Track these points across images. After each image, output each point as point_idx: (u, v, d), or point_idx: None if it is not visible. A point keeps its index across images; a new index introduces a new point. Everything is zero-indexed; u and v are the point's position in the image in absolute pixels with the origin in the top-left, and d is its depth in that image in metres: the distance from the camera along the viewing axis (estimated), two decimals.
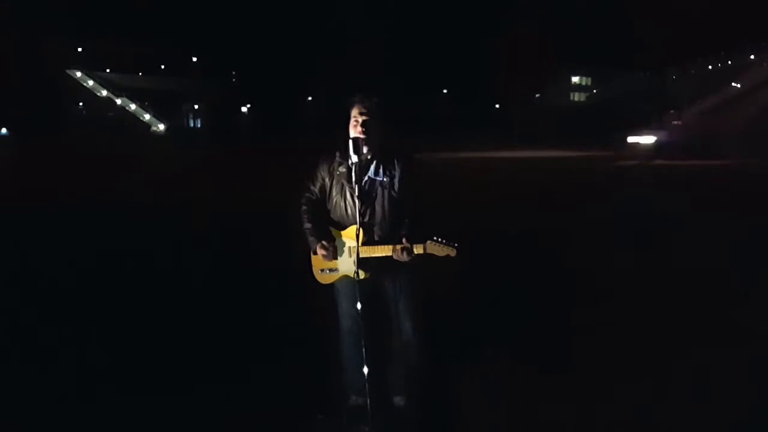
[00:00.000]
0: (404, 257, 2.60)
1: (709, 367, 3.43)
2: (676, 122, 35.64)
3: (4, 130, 41.38)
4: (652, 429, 2.90)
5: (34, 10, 44.82)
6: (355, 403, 2.83)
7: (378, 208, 2.69)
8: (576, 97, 68.10)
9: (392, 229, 2.68)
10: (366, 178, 2.69)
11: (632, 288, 5.11)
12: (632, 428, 2.89)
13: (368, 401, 2.55)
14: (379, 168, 2.71)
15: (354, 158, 2.62)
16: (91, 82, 53.61)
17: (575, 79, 69.42)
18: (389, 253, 2.62)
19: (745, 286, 5.04)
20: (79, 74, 53.43)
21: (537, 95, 63.19)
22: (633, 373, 3.40)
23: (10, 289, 5.01)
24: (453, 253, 2.58)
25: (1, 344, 3.78)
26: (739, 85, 45.50)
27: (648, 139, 34.22)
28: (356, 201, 2.62)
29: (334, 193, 2.76)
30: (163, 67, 57.52)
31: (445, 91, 61.32)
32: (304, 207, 2.84)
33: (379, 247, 2.64)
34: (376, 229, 2.69)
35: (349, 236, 2.71)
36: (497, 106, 58.58)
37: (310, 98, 57.06)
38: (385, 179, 2.70)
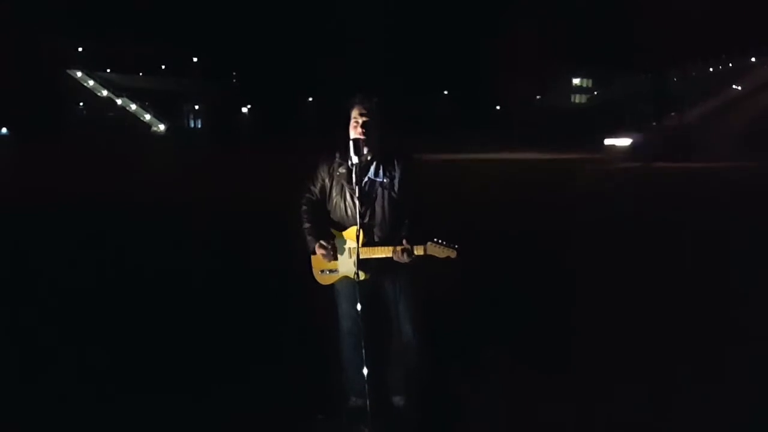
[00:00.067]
0: (404, 258, 2.60)
1: (709, 367, 3.43)
2: (654, 124, 35.97)
3: (4, 130, 41.42)
4: (652, 429, 2.90)
5: (35, 10, 44.87)
6: (355, 404, 2.83)
7: (378, 209, 2.69)
8: (577, 98, 68.13)
9: (392, 230, 2.68)
10: (366, 179, 2.69)
11: (632, 288, 5.11)
12: (632, 428, 2.89)
13: (368, 402, 2.55)
14: (379, 169, 2.71)
15: (354, 159, 2.62)
16: (91, 82, 53.64)
17: (576, 81, 69.45)
18: (389, 254, 2.62)
19: (745, 286, 5.04)
20: (79, 74, 53.47)
21: (538, 97, 63.24)
22: (633, 373, 3.40)
23: (10, 289, 5.01)
24: (453, 254, 2.58)
25: (1, 344, 3.78)
26: (739, 87, 45.54)
27: (624, 142, 34.80)
28: (356, 202, 2.62)
29: (334, 194, 2.76)
30: (163, 67, 57.58)
31: (445, 92, 61.35)
32: (303, 207, 2.84)
33: (379, 248, 2.64)
34: (376, 230, 2.69)
35: (349, 237, 2.71)
36: (498, 107, 58.62)
37: (310, 99, 57.10)
38: (385, 180, 2.70)
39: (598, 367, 3.45)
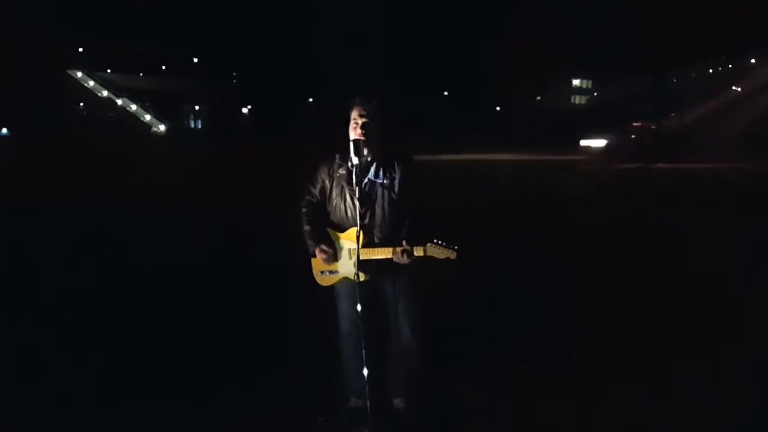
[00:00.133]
0: (404, 259, 2.60)
1: (709, 367, 3.43)
2: (635, 125, 36.27)
3: (4, 130, 41.42)
4: (652, 429, 2.90)
5: (35, 10, 44.90)
6: (355, 404, 2.83)
7: (378, 210, 2.69)
8: (577, 99, 68.14)
9: (392, 231, 2.68)
10: (366, 180, 2.69)
11: (632, 288, 5.12)
12: (632, 428, 2.89)
13: (368, 403, 2.55)
14: (380, 170, 2.71)
15: (354, 160, 2.63)
16: (91, 83, 53.67)
17: (576, 82, 69.47)
18: (389, 256, 2.62)
19: (745, 286, 5.04)
20: (79, 74, 53.50)
21: (538, 98, 63.25)
22: (633, 374, 3.40)
23: (10, 289, 5.01)
24: (453, 255, 2.58)
25: (1, 344, 3.78)
26: (739, 89, 45.55)
27: (599, 143, 35.05)
28: (356, 203, 2.62)
29: (334, 195, 2.77)
30: (164, 67, 57.61)
31: (446, 93, 61.36)
32: (303, 210, 2.84)
33: (379, 249, 2.64)
34: (376, 231, 2.69)
35: (349, 238, 2.71)
36: (498, 108, 58.62)
37: (310, 99, 57.11)
38: (385, 181, 2.70)
39: (598, 367, 3.45)
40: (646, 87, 42.37)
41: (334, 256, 2.75)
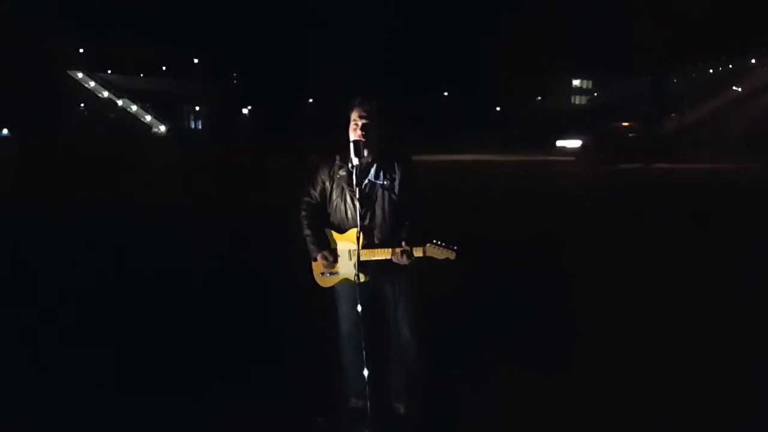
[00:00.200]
0: (404, 260, 2.60)
1: (709, 367, 3.43)
2: (610, 126, 36.66)
3: (5, 131, 41.46)
4: (652, 429, 2.90)
5: (36, 11, 44.95)
6: (356, 405, 2.83)
7: (378, 211, 2.69)
8: (577, 100, 68.12)
9: (392, 232, 2.68)
10: (366, 181, 2.69)
11: (632, 288, 5.11)
12: (632, 428, 2.89)
13: (368, 404, 2.55)
14: (380, 171, 2.71)
15: (354, 161, 2.63)
16: (92, 83, 53.72)
17: (576, 82, 69.44)
18: (389, 256, 2.62)
19: (745, 286, 5.04)
20: (80, 75, 53.56)
21: (538, 98, 63.22)
22: (633, 374, 3.40)
23: (11, 289, 5.01)
24: (452, 255, 2.58)
25: (1, 344, 3.78)
26: (740, 89, 45.53)
27: (574, 143, 35.24)
28: (356, 204, 2.62)
29: (334, 197, 2.76)
30: (164, 68, 57.66)
31: (446, 93, 61.36)
32: (303, 213, 2.83)
33: (379, 250, 2.64)
34: (376, 232, 2.69)
35: (349, 239, 2.71)
36: (498, 108, 58.62)
37: (310, 100, 57.14)
38: (385, 182, 2.70)
39: (598, 367, 3.45)
40: (647, 87, 42.35)
41: (334, 262, 2.75)
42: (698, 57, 48.41)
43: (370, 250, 2.64)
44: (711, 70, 52.75)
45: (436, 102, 57.64)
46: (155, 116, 52.15)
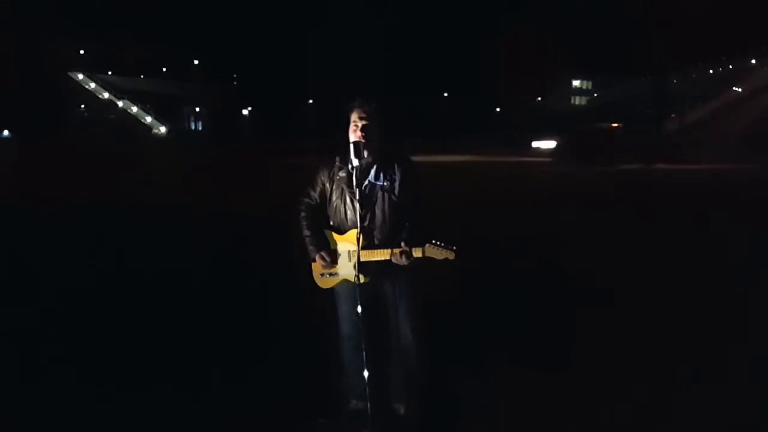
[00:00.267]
0: (403, 261, 2.60)
1: (709, 367, 3.43)
2: (584, 127, 37.01)
3: (6, 133, 41.49)
4: (652, 429, 2.89)
5: (36, 12, 45.00)
6: (356, 406, 2.83)
7: (378, 212, 2.69)
8: (577, 100, 68.14)
9: (392, 233, 2.68)
10: (366, 182, 2.69)
11: (632, 288, 5.11)
12: (632, 428, 2.89)
13: (368, 405, 2.54)
14: (380, 172, 2.71)
15: (354, 162, 2.62)
16: (92, 85, 53.76)
17: (576, 83, 69.47)
18: (388, 257, 2.62)
19: (745, 286, 5.04)
20: (81, 77, 53.59)
21: (539, 99, 63.24)
22: (633, 374, 3.40)
23: (11, 289, 5.01)
24: (452, 256, 2.57)
25: (1, 344, 3.78)
26: (740, 89, 45.56)
27: (549, 144, 35.45)
28: (356, 205, 2.62)
29: (334, 198, 2.76)
30: (164, 70, 57.72)
31: (445, 94, 61.39)
32: (303, 214, 2.84)
33: (379, 250, 2.64)
34: (376, 233, 2.69)
35: (349, 240, 2.71)
36: (498, 109, 58.63)
37: (310, 101, 57.18)
38: (385, 183, 2.70)
39: (598, 367, 3.45)
40: (647, 88, 42.36)
41: (334, 263, 2.75)
42: (698, 57, 48.44)
43: (370, 251, 2.64)
44: (711, 71, 52.80)
45: (437, 102, 57.66)
46: (156, 117, 52.18)
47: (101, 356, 3.61)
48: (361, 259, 2.60)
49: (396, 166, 2.72)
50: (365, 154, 2.64)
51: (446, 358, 3.38)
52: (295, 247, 2.94)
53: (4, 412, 2.95)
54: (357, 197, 2.61)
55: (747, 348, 3.65)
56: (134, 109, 52.73)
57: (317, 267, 2.81)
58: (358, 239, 2.59)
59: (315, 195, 2.83)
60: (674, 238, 7.77)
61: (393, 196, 2.70)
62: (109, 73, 54.91)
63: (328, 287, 2.83)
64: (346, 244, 2.73)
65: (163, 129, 51.27)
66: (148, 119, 52.23)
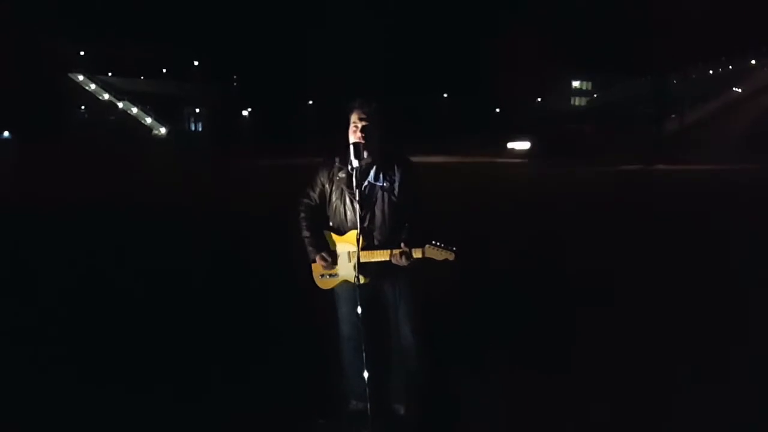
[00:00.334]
0: (403, 261, 2.60)
1: (709, 367, 3.43)
2: (558, 127, 37.23)
3: (6, 134, 41.52)
4: (652, 429, 2.89)
5: (36, 12, 45.03)
6: (356, 407, 2.83)
7: (378, 213, 2.69)
8: (577, 101, 68.14)
9: (392, 233, 2.68)
10: (366, 183, 2.69)
11: (632, 288, 5.12)
12: (632, 428, 2.89)
13: (368, 406, 2.54)
14: (379, 173, 2.71)
15: (354, 163, 2.62)
16: (92, 86, 53.81)
17: (576, 84, 69.48)
18: (388, 258, 2.62)
19: (744, 286, 5.04)
20: (81, 78, 53.65)
21: (538, 99, 63.24)
22: (633, 374, 3.39)
23: (11, 289, 5.02)
24: (451, 256, 2.57)
25: (1, 344, 3.78)
26: (739, 90, 45.59)
27: (523, 145, 35.73)
28: (356, 206, 2.61)
29: (334, 199, 2.76)
30: (164, 71, 57.76)
31: (445, 95, 61.40)
32: (302, 215, 2.83)
33: (378, 251, 2.64)
34: (375, 233, 2.69)
35: (349, 241, 2.70)
36: (497, 110, 58.64)
37: (310, 102, 57.21)
38: (385, 184, 2.70)
39: (598, 367, 3.45)
40: (647, 88, 42.39)
41: (333, 264, 2.75)
42: (698, 58, 48.46)
43: (370, 251, 2.64)
44: (711, 71, 52.83)
45: (436, 102, 57.66)
46: (156, 118, 52.22)
47: (101, 356, 3.61)
48: (361, 260, 2.60)
49: (395, 166, 2.72)
50: (365, 154, 2.64)
51: (446, 359, 3.38)
52: (295, 248, 2.94)
53: (4, 412, 2.95)
54: (357, 198, 2.60)
55: (747, 348, 3.65)
56: (134, 110, 52.77)
57: (317, 268, 2.81)
58: (358, 240, 2.59)
59: (315, 196, 2.83)
60: (674, 238, 7.77)
61: (392, 197, 2.69)
62: (110, 74, 54.97)
63: (328, 288, 2.83)
64: (346, 244, 2.73)
65: (163, 130, 51.30)
66: (148, 120, 52.27)
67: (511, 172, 22.81)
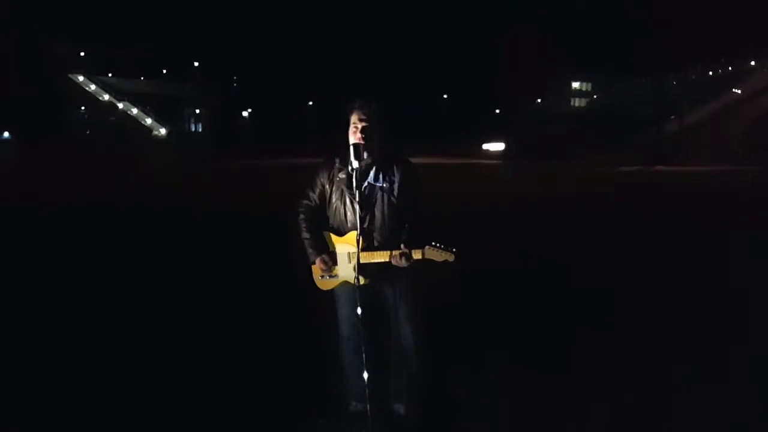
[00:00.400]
0: (403, 262, 2.60)
1: (709, 367, 3.43)
2: (530, 129, 37.52)
3: (6, 134, 41.54)
4: (652, 429, 2.89)
5: (36, 13, 45.07)
6: (356, 408, 2.82)
7: (378, 213, 2.69)
8: (576, 102, 68.19)
9: (392, 234, 2.68)
10: (366, 183, 2.69)
11: (631, 288, 5.12)
12: (632, 428, 2.89)
13: (368, 407, 2.54)
14: (379, 174, 2.71)
15: (354, 164, 2.61)
16: (92, 87, 53.86)
17: (576, 85, 69.53)
18: (388, 259, 2.62)
19: (744, 286, 5.04)
20: (81, 78, 53.71)
21: (538, 100, 63.29)
22: (633, 374, 3.40)
23: (11, 289, 5.01)
24: (451, 258, 2.57)
25: (1, 344, 3.78)
26: (739, 91, 45.63)
27: (498, 146, 35.78)
28: (356, 207, 2.61)
29: (334, 199, 2.76)
30: (164, 71, 57.81)
31: (445, 96, 61.44)
32: (302, 216, 2.83)
33: (378, 252, 2.64)
34: (375, 234, 2.69)
35: (349, 242, 2.70)
36: (497, 111, 58.69)
37: (310, 103, 57.24)
38: (384, 185, 2.70)
39: (598, 367, 3.45)
40: (646, 89, 42.44)
41: (333, 260, 2.75)
42: (698, 59, 48.48)
43: (369, 252, 2.63)
44: (710, 73, 52.87)
45: (437, 104, 57.71)
46: (156, 119, 52.25)
47: (101, 356, 3.61)
48: (361, 261, 2.60)
49: (395, 167, 2.72)
50: (365, 155, 2.64)
51: (446, 359, 3.38)
52: (295, 248, 2.94)
53: (4, 412, 2.95)
54: (357, 199, 2.60)
55: (747, 348, 3.65)
56: (134, 110, 52.81)
57: (317, 269, 2.81)
58: (357, 241, 2.59)
59: (314, 196, 2.82)
60: (674, 238, 7.77)
61: (392, 198, 2.69)
62: (110, 74, 55.02)
63: (327, 289, 2.83)
64: (346, 245, 2.72)
65: (163, 131, 51.32)
66: (149, 121, 52.29)
67: (486, 173, 22.74)
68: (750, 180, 16.92)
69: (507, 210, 10.96)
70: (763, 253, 6.30)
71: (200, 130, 57.72)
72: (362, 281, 2.59)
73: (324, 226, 2.81)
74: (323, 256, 2.74)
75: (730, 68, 52.03)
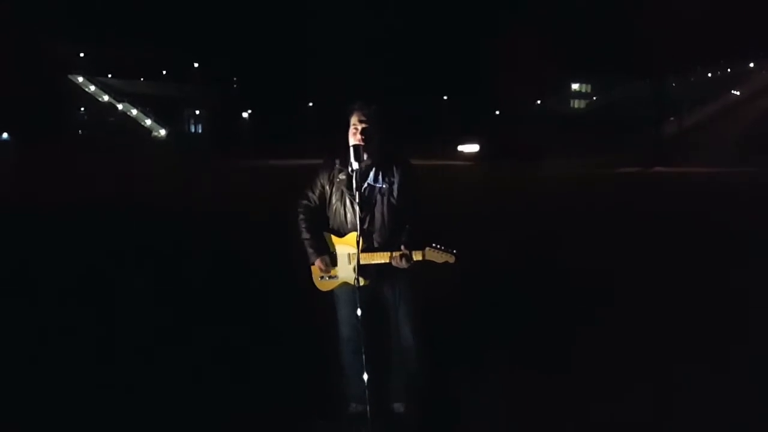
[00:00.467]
0: (403, 264, 2.60)
1: (709, 367, 3.43)
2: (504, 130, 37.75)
3: (5, 135, 41.54)
4: (652, 429, 2.89)
5: (36, 14, 45.09)
6: (355, 410, 2.82)
7: (378, 214, 2.69)
8: (576, 104, 68.25)
9: (391, 235, 2.68)
10: (365, 185, 2.69)
11: (631, 288, 5.12)
12: (632, 428, 2.89)
13: (368, 408, 2.54)
14: (379, 175, 2.71)
15: (354, 165, 2.62)
16: (92, 88, 53.90)
17: (575, 86, 69.60)
18: (388, 260, 2.62)
19: (744, 286, 5.04)
20: (80, 79, 53.75)
21: (538, 102, 63.34)
22: (633, 374, 3.40)
23: (11, 289, 5.01)
24: (452, 259, 2.57)
25: (1, 344, 3.78)
26: (738, 93, 45.71)
27: (472, 148, 35.91)
28: (356, 208, 2.61)
29: (333, 200, 2.76)
30: (164, 72, 57.85)
31: (445, 97, 61.48)
32: (301, 216, 2.83)
33: (378, 253, 2.64)
34: (375, 235, 2.69)
35: (349, 243, 2.70)
36: (497, 112, 58.74)
37: (310, 104, 57.24)
38: (384, 186, 2.70)
39: (598, 367, 3.45)
40: (646, 91, 42.50)
41: (333, 261, 2.75)
42: (697, 61, 48.58)
43: (369, 253, 2.64)
44: (710, 74, 52.95)
45: (438, 105, 57.73)
46: (155, 120, 52.26)
47: (101, 356, 3.61)
48: (361, 262, 2.60)
49: (395, 168, 2.73)
50: (365, 156, 2.64)
51: (446, 360, 3.38)
52: (294, 248, 2.94)
53: (4, 412, 2.95)
54: (357, 200, 2.60)
55: (747, 348, 3.66)
56: (134, 111, 52.82)
57: (316, 270, 2.81)
58: (357, 242, 2.59)
59: (314, 197, 2.83)
60: (673, 238, 7.78)
61: (392, 199, 2.70)
62: (109, 75, 55.06)
63: (327, 290, 2.83)
64: (346, 246, 2.72)
65: (162, 132, 51.32)
66: (148, 122, 52.30)
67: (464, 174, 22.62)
68: (748, 181, 16.94)
69: (507, 210, 10.96)
70: (762, 253, 6.31)
71: (200, 131, 57.72)
72: (362, 282, 2.59)
73: (324, 227, 2.81)
74: (323, 256, 2.74)
75: (729, 70, 52.12)
